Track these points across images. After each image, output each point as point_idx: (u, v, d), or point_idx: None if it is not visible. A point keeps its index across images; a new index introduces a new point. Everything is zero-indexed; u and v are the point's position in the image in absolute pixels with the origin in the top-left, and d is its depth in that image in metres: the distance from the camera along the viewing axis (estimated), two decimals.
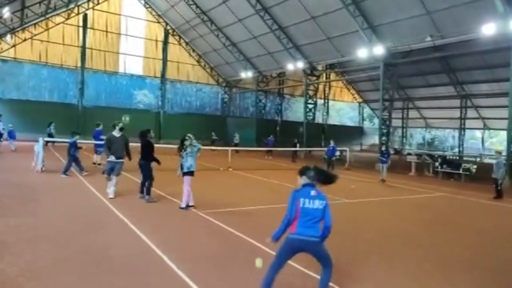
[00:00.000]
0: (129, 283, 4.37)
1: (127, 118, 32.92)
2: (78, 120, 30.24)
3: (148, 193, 8.91)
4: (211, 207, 8.59)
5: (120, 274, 4.57)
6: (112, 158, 8.99)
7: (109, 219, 7.24)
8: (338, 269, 5.19)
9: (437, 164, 19.61)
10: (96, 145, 15.11)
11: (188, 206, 8.31)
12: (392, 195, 12.66)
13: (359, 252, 6.09)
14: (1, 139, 19.88)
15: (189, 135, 8.40)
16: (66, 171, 12.17)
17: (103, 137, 11.85)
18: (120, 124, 9.40)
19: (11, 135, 20.22)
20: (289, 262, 5.20)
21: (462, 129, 36.04)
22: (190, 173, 8.28)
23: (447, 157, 23.81)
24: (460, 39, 19.64)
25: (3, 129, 20.21)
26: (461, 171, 18.25)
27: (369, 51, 22.71)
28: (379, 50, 22.10)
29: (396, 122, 37.80)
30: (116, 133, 9.23)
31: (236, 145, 28.15)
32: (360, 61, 25.57)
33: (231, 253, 5.65)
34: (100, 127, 15.35)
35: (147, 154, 9.04)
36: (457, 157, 28.10)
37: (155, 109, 35.77)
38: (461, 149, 36.03)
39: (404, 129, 42.07)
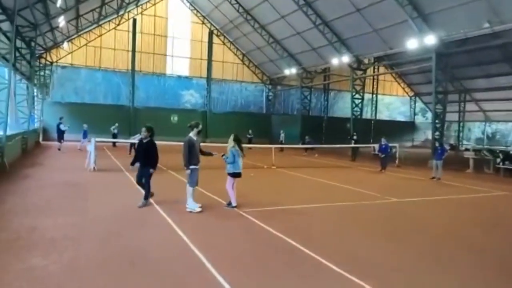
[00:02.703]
0: (165, 283, 4.34)
1: (175, 118, 34.01)
2: (130, 120, 31.63)
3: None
4: (253, 205, 8.47)
5: (157, 275, 4.57)
6: (198, 165, 8.10)
7: (153, 218, 7.33)
8: (385, 273, 4.87)
9: (498, 160, 18.08)
10: None
11: (230, 204, 8.28)
12: (447, 194, 11.81)
13: (409, 255, 5.68)
14: (63, 140, 21.44)
15: (233, 138, 8.35)
16: None
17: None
18: (200, 126, 8.28)
19: (85, 135, 21.65)
20: (328, 264, 4.94)
21: None
22: (229, 174, 8.29)
23: (510, 152, 21.91)
24: None
25: (65, 128, 21.72)
26: None
27: (419, 42, 21.42)
28: (430, 40, 20.75)
29: (452, 116, 35.53)
30: (194, 135, 8.09)
31: (281, 143, 27.87)
32: (410, 52, 24.24)
33: (271, 254, 5.47)
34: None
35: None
36: None
37: (201, 108, 36.55)
38: None
39: (461, 123, 39.49)
